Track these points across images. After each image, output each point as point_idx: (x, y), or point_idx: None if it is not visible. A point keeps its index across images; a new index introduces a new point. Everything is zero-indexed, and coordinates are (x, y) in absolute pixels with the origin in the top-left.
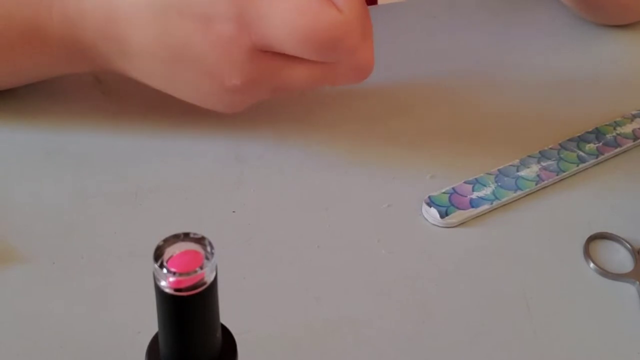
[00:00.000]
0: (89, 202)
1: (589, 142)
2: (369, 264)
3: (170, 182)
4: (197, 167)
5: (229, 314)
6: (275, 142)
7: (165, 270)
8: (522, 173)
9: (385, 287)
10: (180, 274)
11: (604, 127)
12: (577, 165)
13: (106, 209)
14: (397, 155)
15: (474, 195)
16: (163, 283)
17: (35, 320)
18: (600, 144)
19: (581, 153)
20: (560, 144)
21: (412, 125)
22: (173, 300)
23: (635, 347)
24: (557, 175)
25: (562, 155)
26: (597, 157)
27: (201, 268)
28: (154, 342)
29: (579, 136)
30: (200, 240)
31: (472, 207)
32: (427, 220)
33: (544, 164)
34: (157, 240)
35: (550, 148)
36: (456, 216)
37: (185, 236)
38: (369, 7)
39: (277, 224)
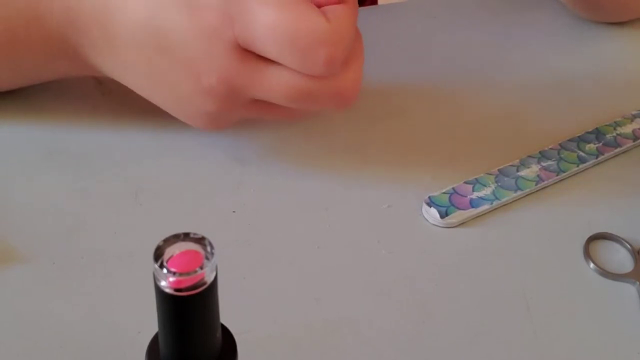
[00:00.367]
0: (89, 202)
1: (589, 142)
2: (369, 264)
3: (170, 182)
4: (197, 167)
5: (229, 314)
6: (275, 143)
7: (165, 270)
8: (522, 173)
9: (385, 287)
10: (180, 274)
11: (604, 127)
12: (577, 166)
13: (106, 209)
14: (397, 155)
15: (474, 195)
16: (163, 283)
17: (35, 320)
18: (600, 144)
19: (581, 153)
20: (560, 144)
21: (412, 125)
22: (173, 300)
23: (635, 347)
24: (557, 175)
25: (562, 156)
26: (597, 157)
27: (201, 268)
28: (154, 342)
29: (579, 136)
30: (200, 240)
31: (472, 207)
32: (427, 220)
33: (544, 164)
34: (157, 240)
35: (550, 148)
36: (456, 216)
37: (185, 236)
38: (369, 7)
39: (277, 224)
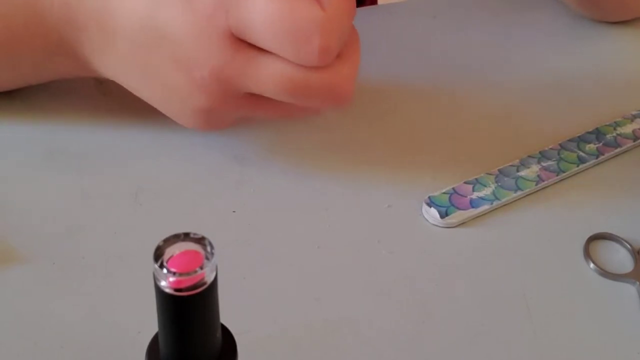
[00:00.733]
0: (89, 202)
1: (589, 142)
2: (369, 264)
3: (170, 182)
4: (197, 167)
5: (229, 314)
6: (275, 142)
7: (165, 270)
8: (522, 173)
9: (385, 287)
10: (180, 274)
11: (604, 127)
12: (577, 166)
13: (106, 209)
14: (397, 155)
15: (474, 195)
16: (163, 283)
17: (35, 320)
18: (601, 144)
19: (581, 153)
20: (560, 144)
21: (412, 125)
22: (173, 300)
23: (635, 347)
24: (557, 175)
25: (562, 156)
26: (597, 157)
27: (201, 268)
28: (154, 342)
29: (579, 136)
30: (200, 240)
31: (472, 207)
32: (427, 220)
33: (544, 164)
34: (157, 240)
35: (550, 148)
36: (456, 216)
37: (185, 236)
38: (369, 7)
39: (277, 224)
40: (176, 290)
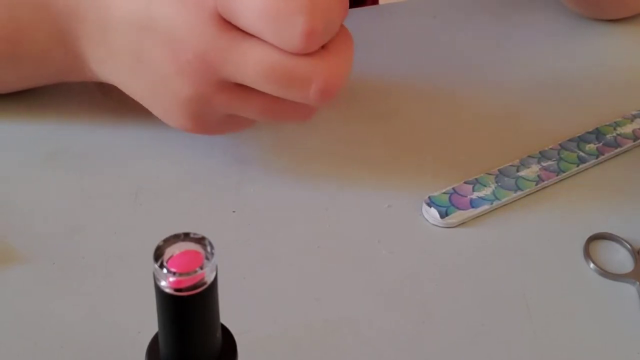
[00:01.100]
0: (89, 202)
1: (589, 142)
2: (369, 264)
3: (170, 182)
4: (198, 167)
5: (229, 314)
6: (275, 142)
7: (165, 270)
8: (522, 173)
9: (385, 287)
10: (180, 274)
11: (604, 127)
12: (577, 166)
13: (106, 209)
14: (397, 156)
15: (474, 195)
16: (163, 283)
17: (35, 320)
18: (601, 144)
19: (581, 153)
20: (560, 144)
21: (412, 125)
22: (173, 300)
23: (635, 347)
24: (557, 175)
25: (562, 156)
26: (597, 157)
27: (201, 268)
28: (154, 342)
29: (579, 136)
30: (200, 240)
31: (472, 207)
32: (427, 220)
33: (544, 164)
34: (157, 240)
35: (551, 148)
36: (456, 216)
37: (185, 236)
38: (370, 7)
39: (277, 224)
40: (176, 290)
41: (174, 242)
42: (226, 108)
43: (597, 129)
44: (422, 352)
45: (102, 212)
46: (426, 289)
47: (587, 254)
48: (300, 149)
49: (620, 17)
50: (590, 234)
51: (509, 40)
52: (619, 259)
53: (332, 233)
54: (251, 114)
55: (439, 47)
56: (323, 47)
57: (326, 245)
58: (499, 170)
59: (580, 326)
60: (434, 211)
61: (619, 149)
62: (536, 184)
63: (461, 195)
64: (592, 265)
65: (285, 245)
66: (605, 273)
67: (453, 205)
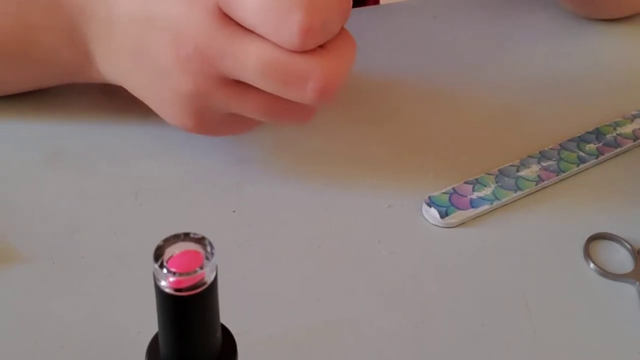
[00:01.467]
0: (89, 202)
1: (589, 142)
2: (370, 264)
3: (170, 182)
4: (197, 167)
5: (229, 314)
6: (276, 142)
7: (165, 270)
8: (522, 173)
9: (385, 287)
10: (180, 274)
11: (604, 127)
12: (577, 166)
13: (106, 209)
14: (397, 156)
15: (474, 195)
16: (163, 283)
17: (35, 320)
18: (601, 144)
19: (581, 153)
20: (560, 144)
21: (412, 125)
22: (173, 300)
23: (635, 347)
24: (557, 175)
25: (562, 156)
26: (597, 157)
27: (201, 268)
28: (154, 342)
29: (579, 136)
30: (200, 240)
31: (472, 207)
32: (427, 220)
33: (544, 164)
34: (157, 240)
35: (551, 148)
36: (456, 216)
37: (185, 236)
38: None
39: (277, 224)
40: (176, 290)
41: (174, 242)
42: (225, 105)
43: (597, 129)
44: (422, 352)
45: (102, 212)
46: (426, 289)
47: (587, 254)
48: (300, 149)
49: (614, 17)
50: (590, 234)
51: (509, 40)
52: (619, 259)
53: (332, 233)
54: (250, 112)
55: (439, 47)
56: (322, 46)
57: (326, 246)
58: (499, 170)
59: (580, 326)
60: (434, 211)
61: (619, 149)
62: (536, 184)
63: (461, 195)
64: (592, 265)
65: (286, 245)
66: (605, 273)
67: (453, 205)
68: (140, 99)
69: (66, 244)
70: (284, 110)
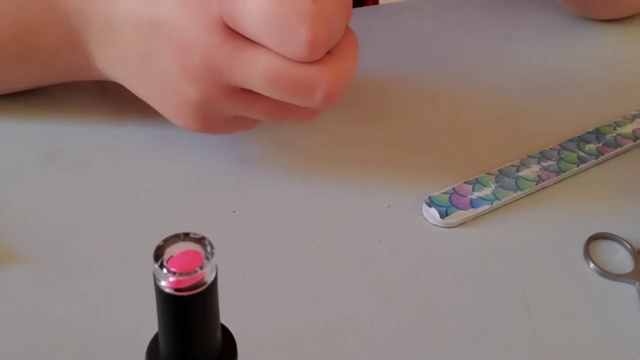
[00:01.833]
0: (89, 202)
1: (589, 142)
2: (370, 264)
3: (170, 182)
4: (198, 167)
5: (229, 314)
6: (276, 142)
7: (165, 270)
8: (522, 173)
9: (385, 287)
10: (180, 274)
11: (604, 127)
12: (577, 166)
13: (106, 209)
14: (397, 155)
15: (474, 195)
16: (163, 283)
17: (34, 320)
18: (601, 144)
19: (581, 153)
20: (560, 144)
21: (413, 125)
22: (173, 300)
23: (635, 347)
24: (557, 175)
25: (562, 156)
26: (597, 157)
27: (201, 268)
28: (154, 342)
29: (579, 136)
30: (200, 240)
31: (472, 207)
32: (427, 220)
33: (544, 164)
34: (157, 240)
35: (551, 148)
36: (456, 216)
37: (185, 236)
38: (370, 7)
39: (277, 223)
40: (176, 290)
41: (174, 242)
42: (233, 111)
43: (597, 129)
44: (422, 352)
45: (102, 212)
46: (426, 289)
47: (587, 254)
48: (300, 149)
49: (613, 17)
50: (590, 234)
51: (509, 40)
52: (619, 259)
53: (332, 233)
54: (257, 115)
55: (439, 47)
56: (328, 52)
57: (326, 245)
58: (499, 170)
59: (580, 326)
60: (434, 211)
61: (619, 149)
62: (536, 184)
63: (461, 195)
64: (592, 265)
65: (286, 245)
66: (605, 273)
67: (453, 205)
68: (145, 100)
69: (66, 244)
70: (290, 112)
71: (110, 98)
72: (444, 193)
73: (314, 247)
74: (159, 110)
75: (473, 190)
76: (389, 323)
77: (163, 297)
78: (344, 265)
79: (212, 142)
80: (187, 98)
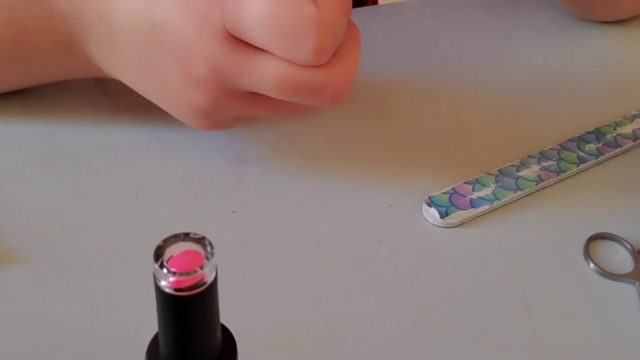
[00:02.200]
0: (89, 202)
1: (589, 142)
2: (370, 264)
3: (170, 182)
4: (198, 167)
5: (229, 314)
6: (276, 142)
7: (165, 270)
8: (522, 173)
9: (385, 287)
10: (181, 274)
11: (604, 127)
12: (577, 166)
13: (106, 209)
14: (397, 155)
15: (474, 195)
16: (163, 283)
17: (34, 320)
18: (600, 144)
19: (581, 153)
20: (560, 144)
21: (413, 125)
22: (173, 300)
23: (635, 347)
24: (557, 175)
25: (562, 156)
26: (597, 157)
27: (201, 268)
28: (154, 342)
29: (579, 136)
30: (200, 240)
31: (472, 207)
32: (427, 220)
33: (544, 164)
34: (157, 240)
35: (551, 148)
36: (456, 216)
37: (185, 236)
38: (370, 7)
39: (277, 223)
40: (176, 290)
41: (174, 242)
42: (240, 111)
43: (597, 129)
44: (422, 352)
45: (102, 212)
46: (426, 289)
47: (587, 254)
48: (300, 149)
49: (613, 19)
50: (590, 234)
51: (509, 40)
52: (619, 259)
53: (332, 233)
54: (264, 114)
55: (439, 47)
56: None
57: (326, 245)
58: (499, 170)
59: (580, 326)
60: (434, 211)
61: (619, 149)
62: (536, 184)
63: (461, 195)
64: (592, 265)
65: (286, 245)
66: (605, 273)
67: (453, 205)
68: (150, 100)
69: (66, 244)
70: (296, 110)
71: (110, 98)
72: (444, 193)
73: (314, 247)
74: (166, 110)
75: (473, 190)
76: (389, 323)
77: (163, 297)
78: (344, 265)
79: (212, 142)
80: (194, 103)
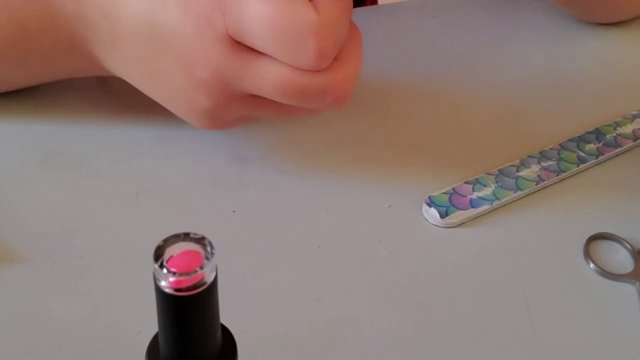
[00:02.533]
0: (89, 202)
1: (589, 142)
2: (370, 264)
3: (170, 182)
4: (198, 167)
5: (229, 314)
6: (276, 142)
7: (165, 270)
8: (522, 173)
9: (385, 287)
10: (181, 274)
11: (604, 127)
12: (577, 166)
13: (106, 209)
14: (397, 155)
15: (474, 195)
16: (163, 283)
17: (34, 320)
18: (600, 144)
19: (581, 153)
20: (560, 144)
21: (413, 125)
22: (173, 300)
23: (635, 347)
24: (557, 175)
25: (562, 156)
26: (597, 157)
27: (201, 268)
28: (154, 342)
29: (579, 136)
30: (200, 240)
31: (472, 207)
32: (427, 220)
33: (544, 164)
34: (157, 240)
35: (551, 148)
36: (456, 216)
37: (185, 236)
38: (370, 7)
39: (277, 223)
40: (176, 290)
41: (174, 242)
42: (243, 112)
43: (597, 129)
44: (422, 352)
45: (102, 212)
46: (426, 289)
47: (587, 254)
48: (300, 149)
49: (612, 20)
50: (590, 234)
51: (509, 40)
52: (619, 259)
53: (332, 233)
54: (267, 115)
55: (439, 47)
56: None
57: (327, 245)
58: (499, 170)
59: (580, 326)
60: (434, 211)
61: (619, 149)
62: (536, 184)
63: (461, 195)
64: (592, 265)
65: (286, 245)
66: (605, 273)
67: (453, 205)
68: (154, 99)
69: (66, 244)
70: (298, 110)
71: (110, 98)
72: (444, 193)
73: (314, 247)
74: (172, 111)
75: (473, 190)
76: (389, 323)
77: (163, 297)
78: (344, 265)
79: (212, 142)
80: (197, 105)
